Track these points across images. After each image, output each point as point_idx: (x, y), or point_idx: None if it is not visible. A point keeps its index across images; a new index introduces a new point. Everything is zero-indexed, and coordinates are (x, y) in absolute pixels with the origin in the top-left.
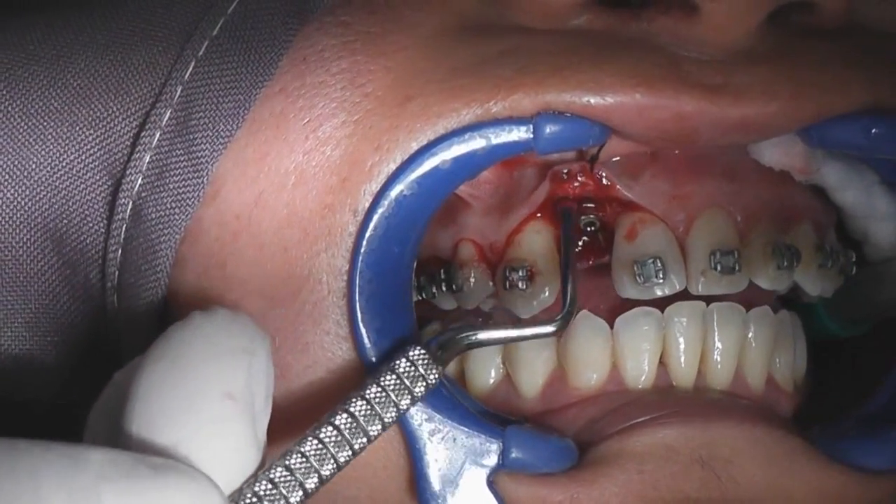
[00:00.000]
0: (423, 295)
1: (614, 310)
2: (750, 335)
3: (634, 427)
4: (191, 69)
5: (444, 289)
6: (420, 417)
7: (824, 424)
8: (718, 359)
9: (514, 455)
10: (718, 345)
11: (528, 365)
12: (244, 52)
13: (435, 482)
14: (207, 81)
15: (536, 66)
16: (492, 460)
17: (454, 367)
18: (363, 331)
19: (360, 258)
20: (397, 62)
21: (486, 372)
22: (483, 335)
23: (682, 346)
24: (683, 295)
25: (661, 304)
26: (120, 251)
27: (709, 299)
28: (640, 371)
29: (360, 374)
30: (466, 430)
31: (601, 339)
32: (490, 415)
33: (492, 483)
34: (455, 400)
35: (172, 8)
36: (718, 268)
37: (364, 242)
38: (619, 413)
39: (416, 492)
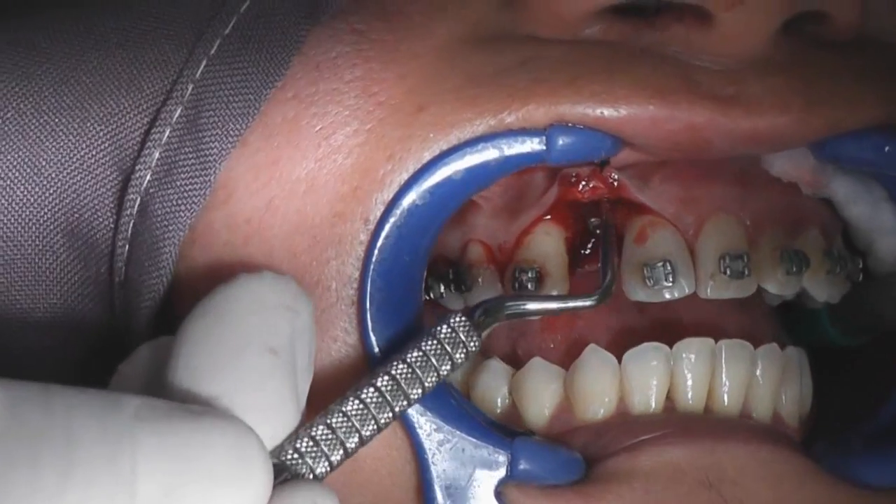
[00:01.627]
0: (431, 295)
1: (622, 330)
2: (758, 373)
3: (642, 445)
4: (202, 67)
5: (452, 289)
6: (429, 427)
7: (829, 441)
8: (726, 395)
9: (522, 466)
10: (726, 382)
11: (535, 396)
12: (256, 51)
13: (442, 492)
14: (218, 80)
15: (550, 77)
16: (500, 471)
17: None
18: (373, 339)
19: (371, 267)
20: (411, 70)
21: (492, 401)
22: (525, 305)
23: (689, 383)
24: (688, 309)
25: (670, 339)
26: (127, 247)
27: (715, 328)
28: (648, 406)
29: None
30: (475, 440)
31: (609, 373)
32: (498, 426)
33: (499, 494)
34: (464, 410)
35: (184, 6)
36: (728, 272)
37: (375, 251)
38: (626, 429)
39: (422, 501)
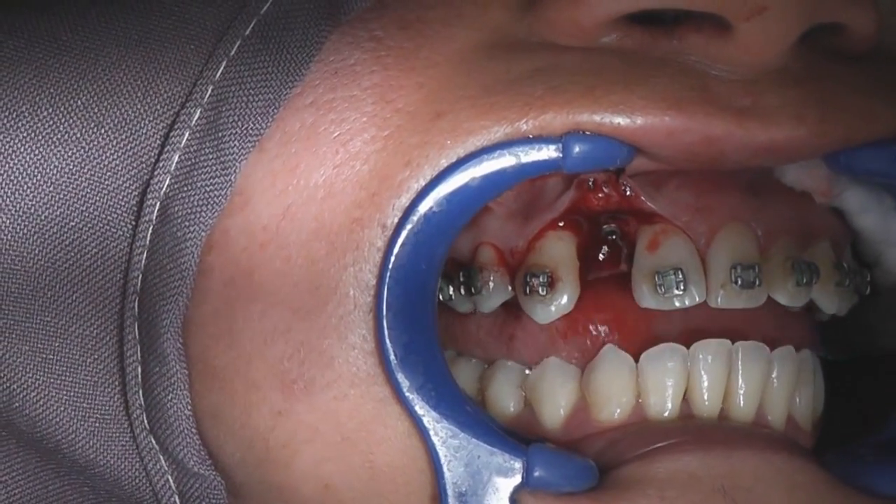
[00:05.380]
0: (440, 296)
1: (636, 330)
2: (774, 375)
3: (656, 452)
4: (222, 69)
5: (461, 291)
6: (444, 434)
7: (840, 451)
8: (742, 397)
9: (537, 474)
10: (742, 383)
11: (551, 396)
12: (276, 51)
13: (457, 499)
14: (238, 81)
15: (567, 85)
16: (515, 478)
17: (474, 395)
18: (390, 346)
19: (389, 273)
20: (429, 78)
21: (507, 400)
22: None
23: (705, 384)
24: (703, 315)
25: (686, 338)
26: (145, 254)
27: (731, 332)
28: (664, 407)
29: (385, 389)
30: (490, 447)
31: (626, 373)
32: (513, 434)
33: (514, 501)
34: (479, 418)
35: (206, 6)
36: (739, 282)
37: (392, 257)
38: (641, 436)
39: None
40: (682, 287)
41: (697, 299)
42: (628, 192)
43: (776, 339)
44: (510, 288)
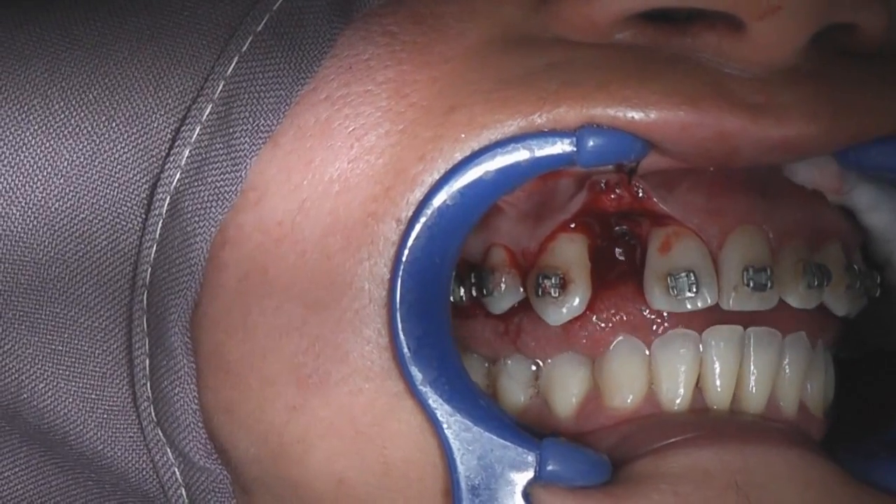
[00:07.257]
0: (451, 297)
1: (647, 324)
2: (785, 362)
3: (670, 447)
4: (234, 64)
5: (473, 293)
6: (457, 427)
7: (851, 447)
8: (753, 383)
9: (550, 467)
10: (754, 370)
11: (563, 384)
12: (288, 48)
13: (470, 492)
14: (250, 77)
15: (581, 80)
16: (528, 472)
17: (485, 386)
18: (403, 339)
19: (402, 267)
20: (443, 73)
21: (517, 393)
22: None
23: (717, 370)
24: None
25: (698, 324)
26: (154, 247)
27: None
28: (676, 394)
29: (399, 384)
30: (503, 441)
31: (638, 360)
32: (526, 428)
33: (527, 495)
34: (493, 411)
35: (218, 2)
36: (751, 284)
37: (406, 251)
38: (654, 431)
39: (451, 502)
40: (694, 289)
41: (710, 301)
42: (640, 194)
43: (788, 328)
44: (522, 289)
